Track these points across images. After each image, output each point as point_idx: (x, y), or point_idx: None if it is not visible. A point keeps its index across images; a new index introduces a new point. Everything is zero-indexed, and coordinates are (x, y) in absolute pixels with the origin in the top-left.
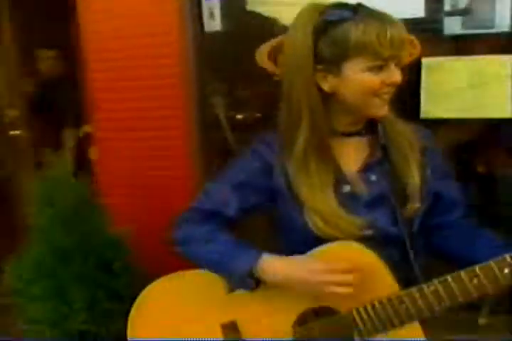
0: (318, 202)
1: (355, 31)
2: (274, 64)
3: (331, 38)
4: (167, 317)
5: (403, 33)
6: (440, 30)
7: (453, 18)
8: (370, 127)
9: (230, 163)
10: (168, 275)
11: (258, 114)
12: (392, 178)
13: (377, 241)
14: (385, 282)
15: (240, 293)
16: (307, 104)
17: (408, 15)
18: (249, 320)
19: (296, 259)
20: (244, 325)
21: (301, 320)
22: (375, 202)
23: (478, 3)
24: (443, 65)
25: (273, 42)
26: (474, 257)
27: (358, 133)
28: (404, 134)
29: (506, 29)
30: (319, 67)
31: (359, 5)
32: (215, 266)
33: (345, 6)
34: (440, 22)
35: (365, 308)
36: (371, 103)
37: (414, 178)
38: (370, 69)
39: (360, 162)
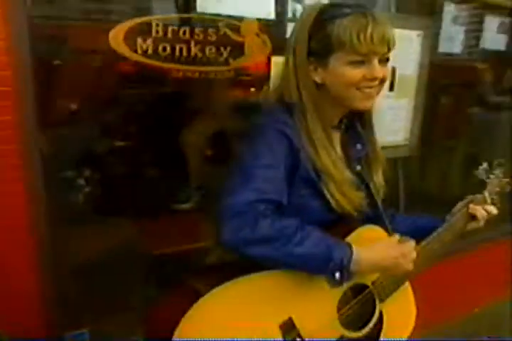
0: (341, 175)
1: (337, 28)
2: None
3: (321, 33)
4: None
5: (387, 31)
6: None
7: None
8: (352, 123)
9: (262, 144)
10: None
11: None
12: (368, 171)
13: (365, 220)
14: None
15: (287, 289)
16: (306, 92)
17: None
18: (301, 314)
19: (382, 246)
20: (298, 319)
21: (343, 303)
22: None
23: None
24: None
25: (128, 23)
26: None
27: (339, 127)
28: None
29: None
30: (311, 59)
31: (356, 5)
32: (311, 262)
33: (342, 5)
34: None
35: (379, 278)
36: (353, 95)
37: (379, 173)
38: (351, 63)
39: (344, 154)
